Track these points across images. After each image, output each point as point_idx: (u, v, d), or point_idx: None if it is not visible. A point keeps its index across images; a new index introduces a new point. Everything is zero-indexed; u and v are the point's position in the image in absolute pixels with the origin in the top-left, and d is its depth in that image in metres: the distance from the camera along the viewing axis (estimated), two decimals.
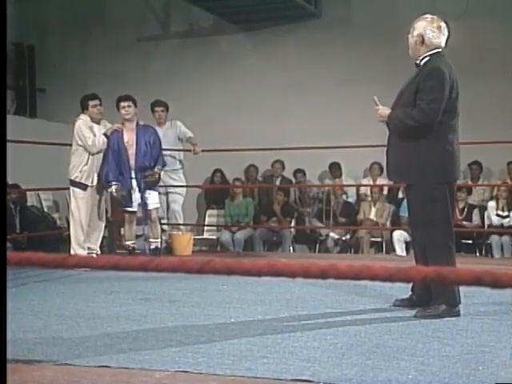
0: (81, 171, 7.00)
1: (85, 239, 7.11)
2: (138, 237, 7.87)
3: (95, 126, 7.10)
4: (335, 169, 10.15)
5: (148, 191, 7.22)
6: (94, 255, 7.15)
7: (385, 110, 4.51)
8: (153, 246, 7.41)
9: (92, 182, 7.07)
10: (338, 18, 10.52)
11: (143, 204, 7.21)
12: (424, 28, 4.39)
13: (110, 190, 7.14)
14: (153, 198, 7.30)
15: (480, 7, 9.80)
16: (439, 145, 4.34)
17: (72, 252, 7.00)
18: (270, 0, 9.98)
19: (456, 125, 4.44)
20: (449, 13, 9.52)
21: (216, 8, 10.54)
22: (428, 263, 4.29)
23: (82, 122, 7.05)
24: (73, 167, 7.04)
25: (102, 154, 7.15)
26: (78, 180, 7.01)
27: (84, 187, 7.02)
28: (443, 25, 4.45)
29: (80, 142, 6.99)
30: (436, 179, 4.34)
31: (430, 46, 4.40)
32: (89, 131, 7.02)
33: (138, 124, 7.27)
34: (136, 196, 7.19)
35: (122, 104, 7.17)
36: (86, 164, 7.02)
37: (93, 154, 7.05)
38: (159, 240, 7.51)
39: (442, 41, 4.44)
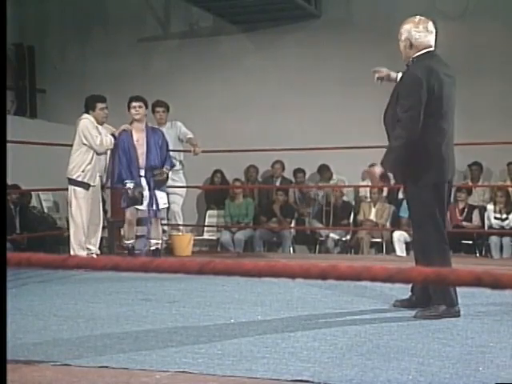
0: (83, 171, 6.93)
1: (85, 240, 7.08)
2: (138, 237, 7.87)
3: (99, 127, 7.09)
4: (324, 171, 10.16)
5: (157, 191, 7.24)
6: (94, 256, 7.13)
7: (376, 168, 4.45)
8: (153, 247, 7.40)
9: (94, 181, 7.03)
10: (338, 18, 10.52)
11: (152, 203, 7.21)
12: (409, 31, 4.37)
13: (127, 187, 7.12)
14: (162, 198, 7.33)
15: (480, 7, 9.80)
16: (425, 147, 4.28)
17: (72, 253, 6.94)
18: (270, 0, 9.98)
19: (444, 125, 4.35)
20: (449, 13, 9.57)
21: (216, 8, 10.54)
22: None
23: (89, 121, 6.99)
24: (74, 166, 6.95)
25: (103, 155, 7.16)
26: (80, 179, 6.92)
27: (86, 187, 6.95)
28: (430, 24, 4.41)
29: (85, 141, 6.93)
30: (422, 181, 4.33)
31: (419, 46, 4.36)
32: (96, 131, 6.99)
33: (147, 125, 7.32)
34: (146, 195, 7.20)
35: (133, 104, 7.21)
36: (90, 163, 6.95)
37: (99, 154, 7.03)
38: (160, 241, 7.51)
39: (431, 40, 4.40)
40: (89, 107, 7.09)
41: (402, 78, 4.42)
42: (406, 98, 4.27)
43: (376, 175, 4.42)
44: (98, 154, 7.02)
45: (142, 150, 7.20)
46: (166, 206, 7.57)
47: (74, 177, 6.95)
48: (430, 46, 4.39)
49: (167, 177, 7.39)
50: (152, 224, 7.38)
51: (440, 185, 4.39)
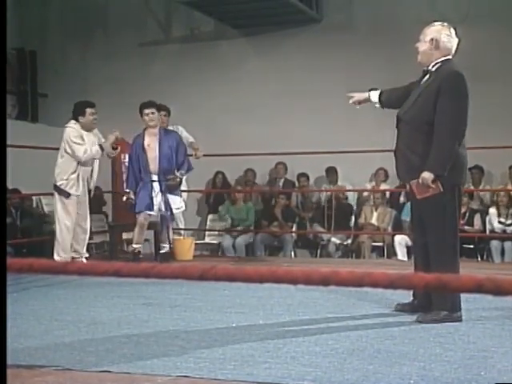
0: (67, 179, 6.88)
1: (71, 244, 7.04)
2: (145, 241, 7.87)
3: (85, 134, 6.98)
4: (332, 173, 10.13)
5: (170, 195, 7.22)
6: (83, 259, 7.11)
7: (424, 175, 4.22)
8: (163, 250, 7.41)
9: (77, 190, 6.93)
10: (339, 22, 10.53)
11: (166, 207, 7.21)
12: (439, 32, 4.32)
13: (124, 197, 7.22)
14: (175, 202, 7.30)
15: (481, 12, 9.80)
16: (456, 150, 4.30)
17: (56, 256, 6.90)
18: (271, 5, 9.98)
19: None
20: (450, 18, 9.54)
21: (217, 13, 10.55)
22: (429, 267, 4.28)
23: (72, 130, 6.91)
24: (59, 173, 6.92)
25: (97, 162, 7.12)
26: (62, 187, 6.90)
27: (66, 195, 6.91)
28: (453, 31, 4.39)
29: (68, 150, 6.87)
30: (448, 182, 4.29)
31: (443, 51, 4.32)
32: (80, 140, 6.90)
33: (160, 129, 7.30)
34: (158, 200, 7.18)
35: (146, 111, 7.21)
36: (74, 172, 6.91)
37: (81, 164, 6.94)
38: (168, 244, 7.51)
39: (454, 47, 4.38)
40: (78, 113, 7.00)
41: (435, 77, 4.29)
42: (455, 96, 4.21)
43: (429, 183, 4.22)
44: (80, 164, 6.93)
45: (153, 155, 7.19)
46: (181, 209, 7.56)
47: (57, 183, 6.94)
48: (451, 54, 4.35)
49: (181, 181, 7.38)
50: (168, 228, 7.41)
51: (461, 186, 4.40)
